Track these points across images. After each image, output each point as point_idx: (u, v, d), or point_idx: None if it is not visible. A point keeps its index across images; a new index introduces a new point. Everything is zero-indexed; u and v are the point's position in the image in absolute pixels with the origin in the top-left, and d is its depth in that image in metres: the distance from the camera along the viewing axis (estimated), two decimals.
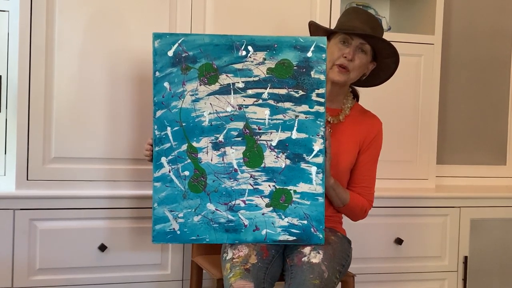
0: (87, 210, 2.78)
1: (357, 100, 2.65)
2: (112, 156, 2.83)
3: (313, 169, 2.31)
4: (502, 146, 3.78)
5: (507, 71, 3.77)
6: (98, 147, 2.82)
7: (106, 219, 2.80)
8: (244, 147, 2.31)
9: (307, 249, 2.31)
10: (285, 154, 2.31)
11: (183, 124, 2.30)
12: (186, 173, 2.31)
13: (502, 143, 3.78)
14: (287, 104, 2.31)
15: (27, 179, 2.74)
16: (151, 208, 2.33)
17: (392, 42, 2.48)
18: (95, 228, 2.79)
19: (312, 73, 2.31)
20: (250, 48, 2.31)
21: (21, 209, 2.71)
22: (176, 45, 2.30)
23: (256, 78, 2.31)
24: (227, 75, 2.30)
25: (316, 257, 2.26)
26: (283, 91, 2.31)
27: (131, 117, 2.84)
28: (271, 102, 2.31)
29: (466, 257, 3.26)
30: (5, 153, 2.88)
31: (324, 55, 2.30)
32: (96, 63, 2.80)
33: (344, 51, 2.45)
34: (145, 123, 2.82)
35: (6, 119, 2.88)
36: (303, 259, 2.27)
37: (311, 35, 2.58)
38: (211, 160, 2.31)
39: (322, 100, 2.31)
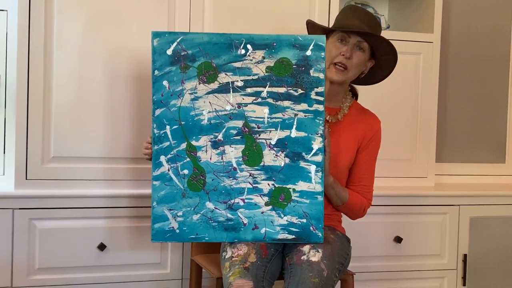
0: (86, 209, 2.78)
1: (356, 99, 2.65)
2: (111, 155, 2.83)
3: (312, 168, 2.31)
4: (501, 144, 3.78)
5: (506, 69, 3.77)
6: (97, 146, 2.82)
7: (106, 218, 2.80)
8: (243, 146, 2.31)
9: (306, 248, 2.31)
10: (284, 152, 2.31)
11: (182, 122, 2.30)
12: (185, 171, 2.31)
13: (501, 141, 3.78)
14: (286, 103, 2.31)
15: (26, 179, 2.75)
16: (150, 207, 2.33)
17: (391, 41, 2.47)
18: (94, 227, 2.79)
19: (311, 71, 2.31)
20: (249, 46, 2.30)
21: (20, 208, 2.71)
22: (175, 43, 2.29)
23: (255, 77, 2.31)
24: (226, 74, 2.30)
25: (315, 256, 2.26)
26: (282, 90, 2.31)
27: (130, 116, 2.84)
28: (270, 100, 2.31)
29: (465, 255, 3.26)
30: (4, 153, 2.88)
31: (323, 54, 2.30)
32: (95, 62, 2.80)
33: (341, 49, 2.44)
34: (144, 122, 2.82)
35: (4, 119, 2.88)
36: (302, 258, 2.27)
37: (309, 34, 2.58)
38: (210, 158, 2.31)
39: (321, 98, 2.31)
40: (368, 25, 2.44)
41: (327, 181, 2.37)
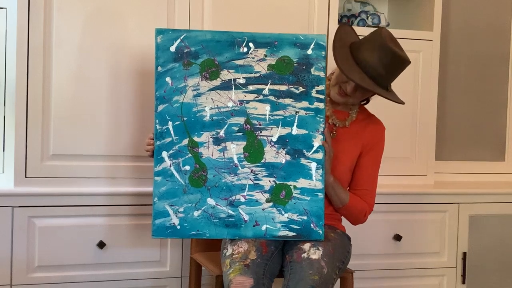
0: (86, 207, 2.77)
1: (367, 102, 2.63)
2: (113, 153, 2.82)
3: (313, 165, 2.33)
4: (501, 142, 3.79)
5: (506, 67, 3.77)
6: (98, 144, 2.81)
7: (105, 216, 2.79)
8: (245, 142, 2.32)
9: (306, 246, 2.31)
10: (285, 149, 2.32)
11: (185, 118, 2.31)
12: (187, 167, 2.31)
13: (501, 139, 3.79)
14: (288, 100, 2.33)
15: (26, 176, 2.74)
16: (151, 205, 2.33)
17: None
18: (94, 225, 2.78)
19: (312, 70, 2.34)
20: (251, 44, 2.34)
21: (19, 206, 2.70)
22: (178, 40, 2.32)
23: (257, 74, 2.33)
24: (228, 71, 2.32)
25: (315, 254, 2.27)
26: (283, 88, 2.33)
27: (131, 114, 2.84)
28: (271, 98, 2.33)
29: (465, 253, 3.26)
30: (4, 150, 2.87)
31: (323, 52, 2.33)
32: (94, 60, 2.79)
33: (349, 80, 2.40)
34: (145, 120, 2.81)
35: (4, 116, 2.87)
36: (302, 255, 2.27)
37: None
38: (212, 155, 2.31)
39: (321, 96, 2.34)
40: (384, 67, 2.36)
41: (327, 180, 2.37)
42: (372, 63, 2.35)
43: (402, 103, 2.49)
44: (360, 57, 2.37)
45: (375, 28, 3.23)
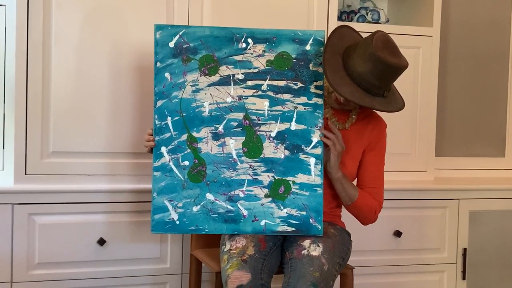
0: (86, 204, 2.77)
1: None
2: (112, 150, 2.82)
3: (312, 160, 2.33)
4: (501, 138, 3.79)
5: (506, 63, 3.77)
6: (98, 141, 2.81)
7: (105, 213, 2.80)
8: (244, 138, 2.33)
9: (306, 242, 2.31)
10: (284, 145, 2.33)
11: (184, 114, 2.31)
12: (186, 163, 2.32)
13: (500, 135, 3.79)
14: (286, 96, 2.34)
15: (26, 174, 2.74)
16: (150, 202, 2.33)
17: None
18: (94, 222, 2.78)
19: (310, 65, 2.35)
20: (249, 40, 2.35)
21: (19, 203, 2.70)
22: (177, 36, 2.33)
23: (256, 70, 2.34)
24: (227, 67, 2.33)
25: (315, 250, 2.27)
26: (282, 83, 2.34)
27: (131, 111, 2.84)
28: (270, 93, 2.34)
29: (465, 249, 3.26)
30: (3, 148, 2.88)
31: (321, 48, 2.35)
32: (94, 56, 2.79)
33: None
34: (145, 117, 2.81)
35: (4, 114, 2.88)
36: (302, 252, 2.27)
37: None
38: (211, 150, 2.32)
39: (320, 92, 2.35)
40: (376, 78, 2.27)
41: (335, 175, 2.36)
42: (364, 74, 2.27)
43: (396, 110, 2.40)
44: (352, 67, 2.29)
45: (374, 24, 3.27)
